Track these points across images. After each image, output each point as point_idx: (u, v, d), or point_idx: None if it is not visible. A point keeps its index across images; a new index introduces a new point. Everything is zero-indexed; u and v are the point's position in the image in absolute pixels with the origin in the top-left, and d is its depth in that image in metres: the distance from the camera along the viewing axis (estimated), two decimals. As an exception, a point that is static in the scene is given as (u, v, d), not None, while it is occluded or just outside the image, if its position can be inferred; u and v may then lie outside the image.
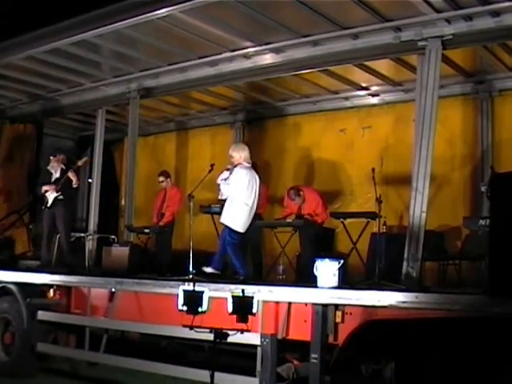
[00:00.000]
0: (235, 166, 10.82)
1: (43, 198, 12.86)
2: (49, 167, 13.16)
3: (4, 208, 16.01)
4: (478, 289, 8.17)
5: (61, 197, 12.71)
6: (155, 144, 17.68)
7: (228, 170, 10.92)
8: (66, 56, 12.28)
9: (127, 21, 10.51)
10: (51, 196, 12.72)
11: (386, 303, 7.46)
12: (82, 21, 11.03)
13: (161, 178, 13.86)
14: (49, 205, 12.73)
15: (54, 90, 14.64)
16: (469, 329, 6.99)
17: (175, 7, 9.98)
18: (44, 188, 12.84)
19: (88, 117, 16.27)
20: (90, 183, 14.13)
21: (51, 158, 13.15)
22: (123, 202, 14.49)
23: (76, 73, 13.35)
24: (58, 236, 13.14)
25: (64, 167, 13.03)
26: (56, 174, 12.96)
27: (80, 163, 13.14)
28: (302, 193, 12.38)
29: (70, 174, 12.66)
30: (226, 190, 10.80)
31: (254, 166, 11.20)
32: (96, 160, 14.21)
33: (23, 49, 12.18)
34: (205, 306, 7.09)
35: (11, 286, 11.51)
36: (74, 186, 12.81)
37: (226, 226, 10.66)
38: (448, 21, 9.53)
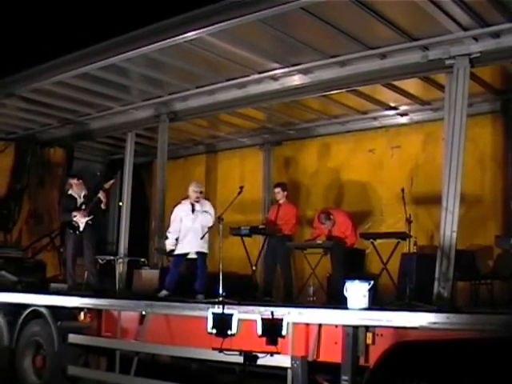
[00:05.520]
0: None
1: (72, 224, 12.76)
2: (71, 192, 13.09)
3: (35, 231, 16.12)
4: (510, 308, 8.08)
5: (91, 221, 12.70)
6: (185, 167, 17.72)
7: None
8: (95, 80, 12.39)
9: (155, 44, 10.59)
10: (82, 221, 12.65)
11: (416, 324, 7.38)
12: (110, 45, 11.14)
13: (190, 201, 13.90)
14: (81, 229, 12.68)
15: (84, 114, 14.76)
16: (502, 350, 6.88)
17: (203, 30, 10.03)
18: (74, 214, 12.70)
19: (118, 140, 16.36)
20: (120, 207, 14.17)
21: (72, 182, 13.12)
22: (153, 225, 14.52)
23: (105, 97, 13.47)
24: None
25: (86, 192, 13.06)
26: (80, 199, 12.94)
27: (107, 186, 13.09)
28: (332, 217, 12.29)
29: (101, 195, 12.63)
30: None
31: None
32: (126, 183, 14.30)
33: (52, 74, 12.31)
34: (234, 329, 7.07)
35: (42, 309, 11.54)
36: (103, 207, 12.81)
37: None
38: (475, 38, 9.51)
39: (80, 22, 19.25)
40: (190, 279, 12.07)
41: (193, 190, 11.80)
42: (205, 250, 11.75)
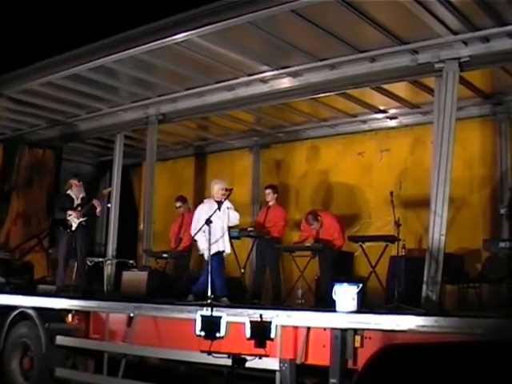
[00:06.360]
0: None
1: (65, 222, 12.88)
2: (69, 192, 13.23)
3: (23, 232, 16.05)
4: (498, 312, 8.09)
5: (84, 223, 12.77)
6: (174, 169, 17.70)
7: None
8: (84, 81, 12.35)
9: (145, 46, 10.56)
10: (76, 221, 12.77)
11: (405, 327, 7.40)
12: (99, 46, 11.11)
13: (178, 204, 13.92)
14: (73, 229, 12.77)
15: (73, 116, 14.72)
16: (490, 353, 6.90)
17: (193, 32, 10.01)
18: (69, 212, 12.87)
19: (107, 142, 16.32)
20: (108, 208, 14.16)
21: (73, 182, 13.22)
22: (142, 227, 14.50)
23: (94, 98, 13.43)
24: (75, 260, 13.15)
25: (85, 194, 13.10)
26: (77, 200, 13.07)
27: (105, 192, 13.18)
28: (319, 218, 12.31)
29: (96, 203, 12.74)
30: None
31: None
32: (115, 185, 14.23)
33: (42, 75, 12.28)
34: (222, 331, 7.05)
35: (30, 311, 11.52)
36: (98, 214, 12.93)
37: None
38: (465, 42, 9.52)
39: (70, 23, 19.22)
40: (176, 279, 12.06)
41: (220, 188, 11.42)
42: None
